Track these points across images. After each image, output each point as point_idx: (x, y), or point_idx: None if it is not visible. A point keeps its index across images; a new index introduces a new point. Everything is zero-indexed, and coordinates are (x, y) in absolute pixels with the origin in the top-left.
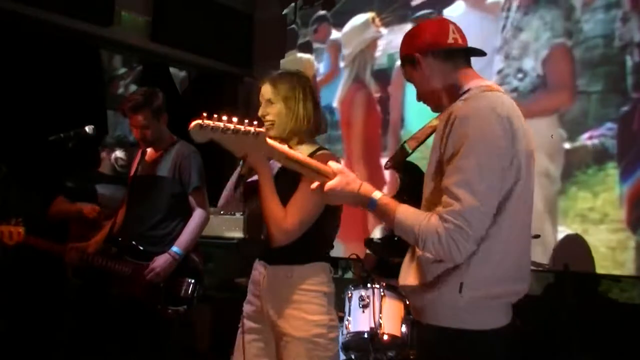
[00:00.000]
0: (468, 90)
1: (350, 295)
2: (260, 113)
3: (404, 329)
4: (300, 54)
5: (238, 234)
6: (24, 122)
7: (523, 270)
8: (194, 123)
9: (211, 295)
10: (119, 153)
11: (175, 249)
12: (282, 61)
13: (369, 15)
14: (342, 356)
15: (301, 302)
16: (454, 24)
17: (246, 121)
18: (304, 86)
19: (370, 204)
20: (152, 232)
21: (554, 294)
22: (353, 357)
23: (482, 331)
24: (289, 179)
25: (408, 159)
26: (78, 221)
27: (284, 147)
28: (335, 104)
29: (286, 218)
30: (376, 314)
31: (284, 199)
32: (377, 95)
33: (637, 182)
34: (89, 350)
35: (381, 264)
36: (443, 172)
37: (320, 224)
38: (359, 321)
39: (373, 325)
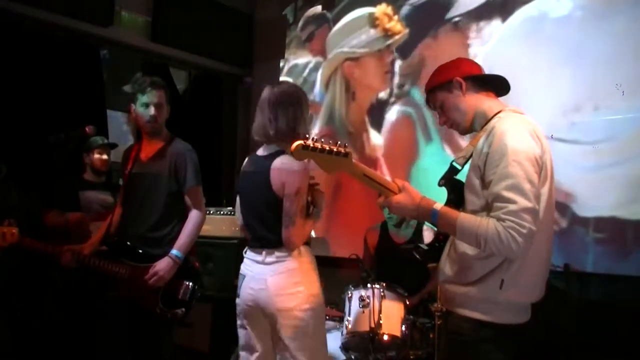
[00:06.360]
0: (500, 111)
1: (350, 295)
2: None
3: (403, 329)
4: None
5: (238, 234)
6: (24, 122)
7: (545, 275)
8: (297, 143)
9: (211, 295)
10: (97, 155)
11: (175, 252)
12: (281, 61)
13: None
14: (342, 356)
15: None
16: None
17: (338, 143)
18: None
19: (432, 215)
20: (151, 233)
21: (554, 293)
22: (353, 357)
23: (509, 325)
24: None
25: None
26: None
27: (364, 166)
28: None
29: None
30: (376, 314)
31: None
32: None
33: None
34: (88, 352)
35: (380, 264)
36: (486, 185)
37: None
38: (359, 321)
39: (373, 325)
